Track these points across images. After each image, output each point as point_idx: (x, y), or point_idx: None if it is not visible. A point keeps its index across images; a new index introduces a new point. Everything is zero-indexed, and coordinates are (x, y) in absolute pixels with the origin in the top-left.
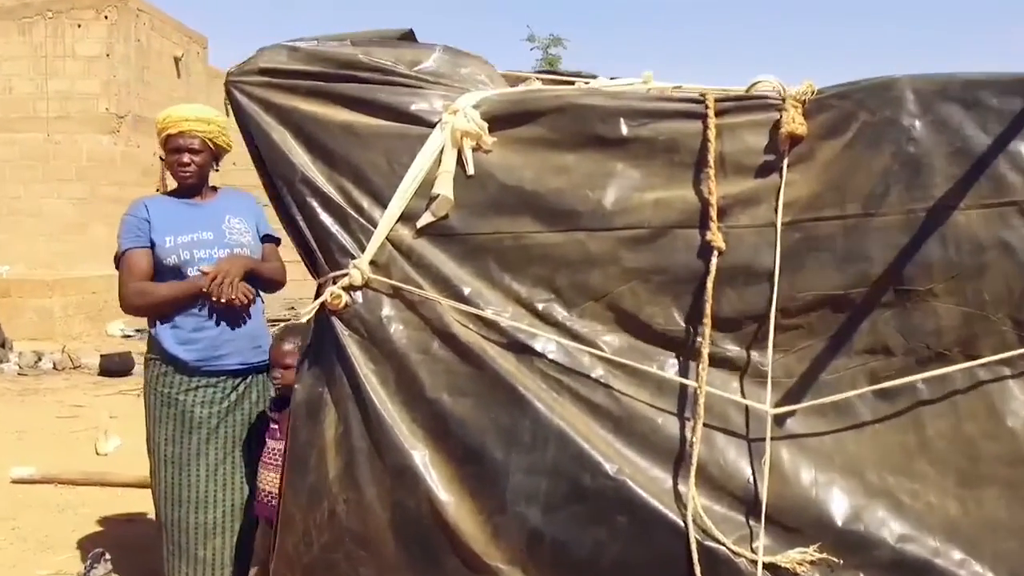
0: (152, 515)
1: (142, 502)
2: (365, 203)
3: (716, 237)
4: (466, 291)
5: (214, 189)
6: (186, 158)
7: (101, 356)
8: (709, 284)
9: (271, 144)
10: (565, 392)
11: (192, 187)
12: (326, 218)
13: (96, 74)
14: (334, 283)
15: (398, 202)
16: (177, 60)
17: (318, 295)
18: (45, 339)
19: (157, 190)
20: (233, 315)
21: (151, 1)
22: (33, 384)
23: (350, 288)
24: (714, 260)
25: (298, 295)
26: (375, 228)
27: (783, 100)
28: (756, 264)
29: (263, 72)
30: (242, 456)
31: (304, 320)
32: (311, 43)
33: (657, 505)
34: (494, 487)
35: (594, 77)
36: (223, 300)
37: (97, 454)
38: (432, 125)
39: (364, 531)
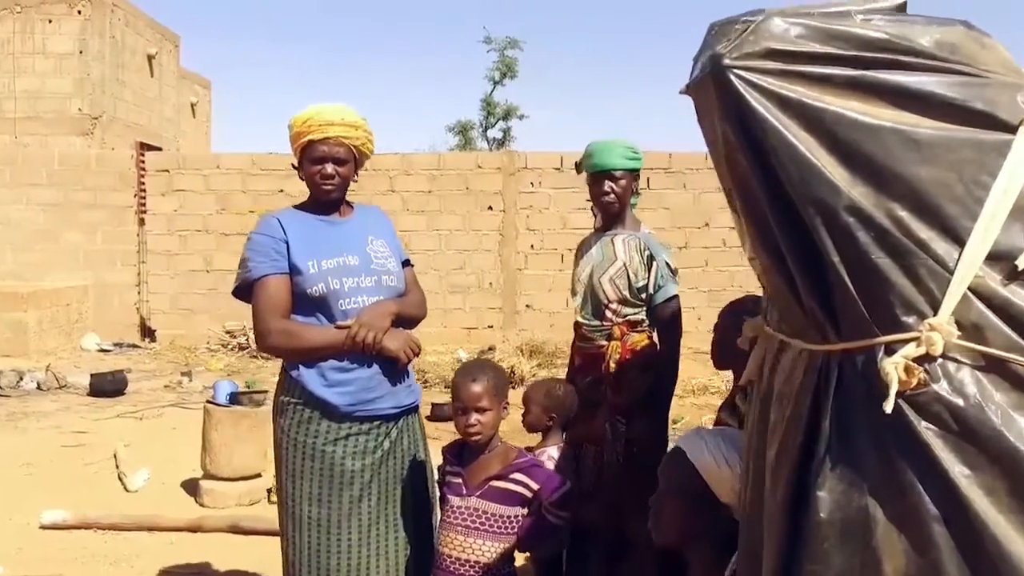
0: (217, 564)
1: (201, 548)
2: (930, 238)
3: None
4: None
5: (349, 205)
6: (330, 169)
7: (92, 375)
8: None
9: (796, 156)
10: None
11: (334, 202)
12: (881, 259)
13: (68, 72)
14: (887, 351)
15: (981, 236)
16: (151, 58)
17: (817, 366)
18: (19, 355)
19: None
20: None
21: None
22: (19, 407)
23: (924, 359)
24: None
25: None
26: (950, 273)
27: None
28: None
29: (772, 55)
30: (399, 514)
31: (797, 398)
32: (819, 18)
33: None
34: None
35: None
36: (373, 352)
37: (126, 491)
38: (1013, 129)
39: None
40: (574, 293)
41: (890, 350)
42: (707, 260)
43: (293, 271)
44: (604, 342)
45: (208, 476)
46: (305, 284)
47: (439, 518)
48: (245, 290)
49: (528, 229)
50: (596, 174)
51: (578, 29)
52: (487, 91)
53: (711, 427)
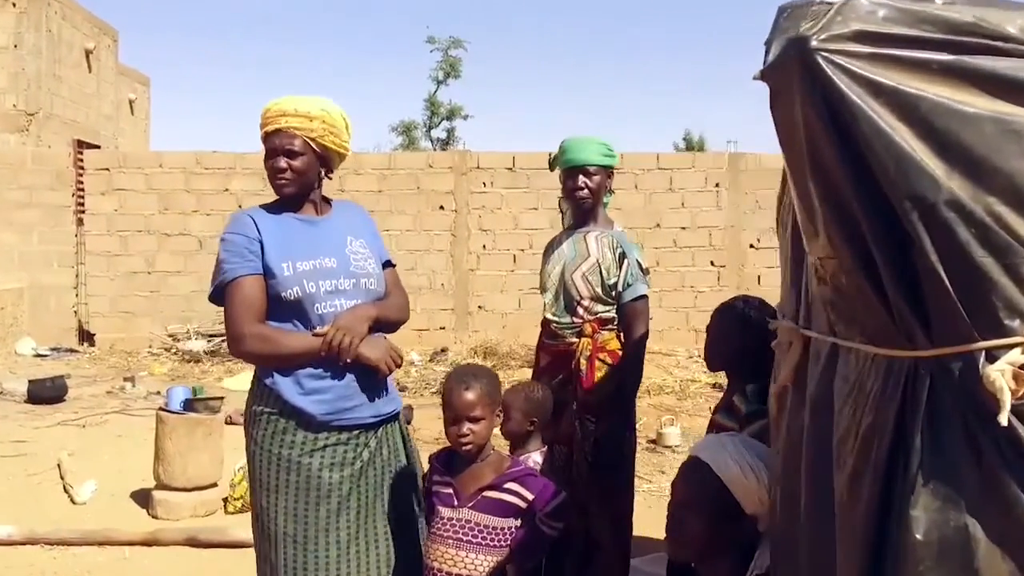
0: None
1: (157, 563)
2: None
3: None
4: None
5: (327, 202)
6: (282, 163)
7: (30, 382)
8: None
9: (892, 147)
10: None
11: (292, 198)
12: (984, 258)
13: (3, 67)
14: (988, 357)
15: None
16: (88, 53)
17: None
18: None
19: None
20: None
21: None
22: None
23: None
24: None
25: None
26: None
27: None
28: None
29: (861, 37)
30: (382, 528)
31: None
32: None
33: None
34: None
35: None
36: (348, 360)
37: (73, 503)
38: None
39: None
40: (544, 290)
41: (991, 356)
42: (658, 260)
43: (267, 273)
44: (574, 339)
45: (161, 486)
46: (279, 287)
47: (426, 530)
48: (220, 293)
49: (480, 229)
50: (570, 169)
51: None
52: (431, 91)
53: (723, 433)
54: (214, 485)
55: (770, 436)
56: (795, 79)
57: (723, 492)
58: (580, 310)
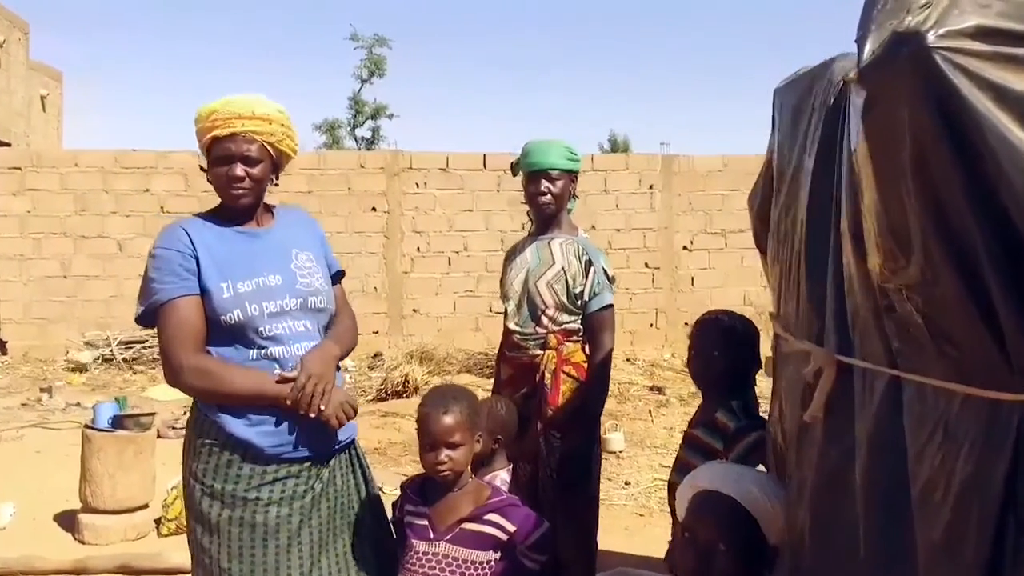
0: None
1: None
2: None
3: None
4: None
5: (269, 209)
6: (239, 170)
7: None
8: None
9: (1019, 159)
10: None
11: (247, 209)
12: None
13: None
14: None
15: None
16: None
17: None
18: None
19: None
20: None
21: None
22: None
23: None
24: None
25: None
26: None
27: None
28: None
29: (982, 34)
30: (341, 561)
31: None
32: None
33: None
34: None
35: None
36: (312, 415)
37: None
38: None
39: None
40: (505, 299)
41: None
42: None
43: (204, 293)
44: (539, 351)
45: (88, 509)
46: (218, 310)
47: (399, 564)
48: (150, 316)
49: (414, 231)
50: (532, 173)
51: (451, 29)
52: (355, 89)
53: (725, 463)
54: (145, 507)
55: (773, 460)
56: (905, 81)
57: (753, 525)
58: (544, 320)
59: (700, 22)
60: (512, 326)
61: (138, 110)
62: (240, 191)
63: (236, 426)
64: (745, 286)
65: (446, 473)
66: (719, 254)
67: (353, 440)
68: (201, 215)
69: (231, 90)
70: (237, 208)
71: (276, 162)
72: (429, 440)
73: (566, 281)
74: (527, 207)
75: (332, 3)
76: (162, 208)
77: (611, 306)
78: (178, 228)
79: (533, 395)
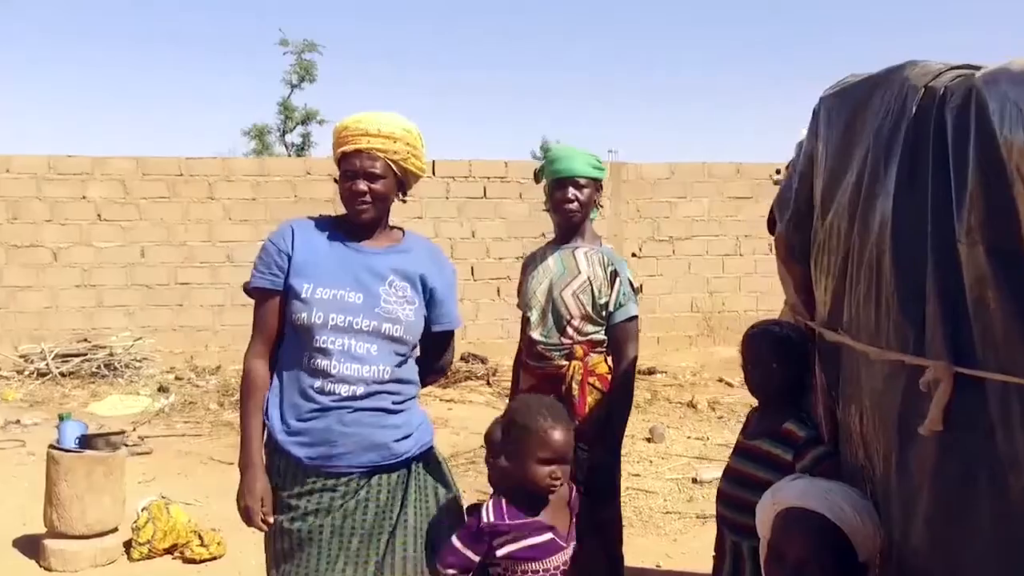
0: None
1: None
2: None
3: None
4: None
5: (394, 231)
6: (362, 185)
7: None
8: None
9: None
10: None
11: (368, 224)
12: None
13: None
14: None
15: None
16: None
17: None
18: None
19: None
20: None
21: None
22: None
23: None
24: None
25: (89, 325)
26: None
27: None
28: None
29: None
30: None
31: None
32: None
33: None
34: None
35: None
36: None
37: None
38: None
39: None
40: (528, 308)
41: None
42: None
43: (288, 290)
44: (564, 362)
45: (55, 534)
46: (292, 308)
47: None
48: (248, 293)
49: None
50: (559, 180)
51: (384, 35)
52: (284, 95)
53: (813, 478)
54: (115, 530)
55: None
56: None
57: (844, 542)
58: (569, 330)
59: (649, 27)
60: (536, 336)
61: (72, 114)
62: (363, 206)
63: (278, 432)
64: (692, 292)
65: (558, 487)
66: (667, 261)
67: (413, 459)
68: (323, 218)
69: (159, 96)
70: (359, 222)
71: (402, 180)
72: (548, 455)
73: (592, 292)
74: (551, 215)
75: (262, 7)
76: (99, 216)
77: (636, 317)
78: (288, 225)
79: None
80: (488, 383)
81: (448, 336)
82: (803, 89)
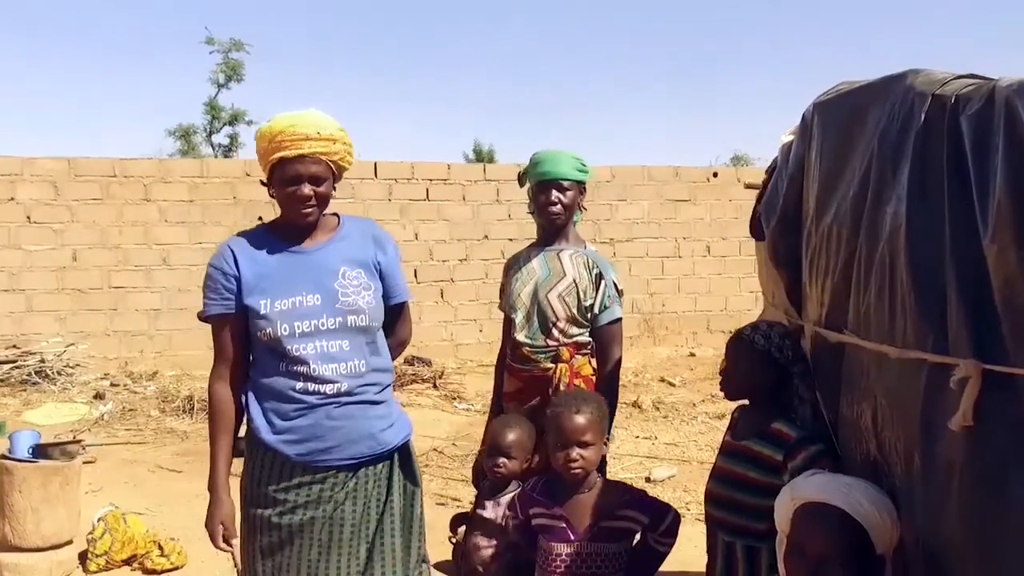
0: None
1: None
2: None
3: None
4: None
5: (328, 219)
6: (307, 190)
7: None
8: None
9: None
10: None
11: (314, 225)
12: None
13: None
14: None
15: None
16: None
17: None
18: None
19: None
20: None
21: None
22: None
23: None
24: None
25: (18, 331)
26: None
27: None
28: None
29: None
30: (357, 566)
31: None
32: None
33: None
34: None
35: None
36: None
37: None
38: None
39: None
40: (512, 310)
41: None
42: (487, 272)
43: (246, 309)
44: (550, 364)
45: (9, 548)
46: (254, 326)
47: (537, 565)
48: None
49: None
50: (543, 183)
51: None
52: (211, 95)
53: (831, 473)
54: (70, 542)
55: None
56: None
57: (863, 537)
58: (555, 332)
59: (592, 33)
60: (521, 338)
61: None
62: (309, 210)
63: (264, 432)
64: (633, 294)
65: (577, 471)
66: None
67: (397, 449)
68: (259, 228)
69: (85, 95)
70: (304, 224)
71: (336, 177)
72: (562, 439)
73: (578, 294)
74: (535, 217)
75: (186, 5)
76: (28, 218)
77: (620, 319)
78: (226, 248)
79: (542, 408)
80: (435, 386)
81: (402, 308)
82: (724, 96)
